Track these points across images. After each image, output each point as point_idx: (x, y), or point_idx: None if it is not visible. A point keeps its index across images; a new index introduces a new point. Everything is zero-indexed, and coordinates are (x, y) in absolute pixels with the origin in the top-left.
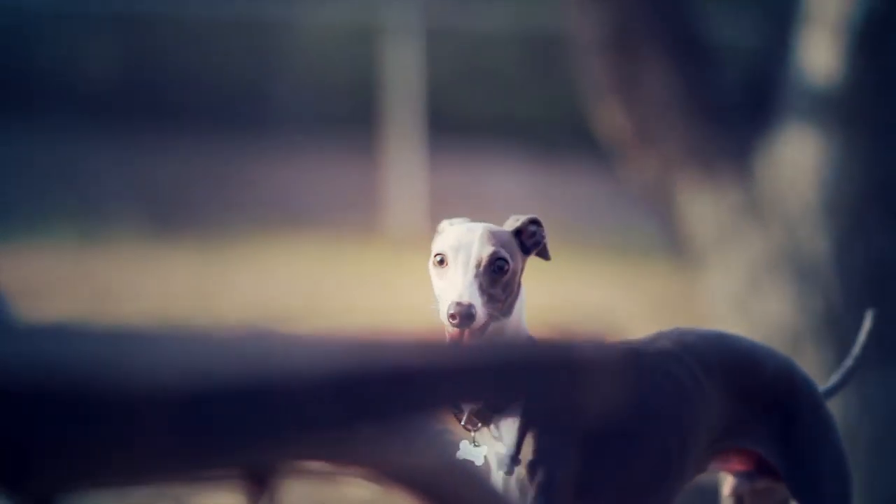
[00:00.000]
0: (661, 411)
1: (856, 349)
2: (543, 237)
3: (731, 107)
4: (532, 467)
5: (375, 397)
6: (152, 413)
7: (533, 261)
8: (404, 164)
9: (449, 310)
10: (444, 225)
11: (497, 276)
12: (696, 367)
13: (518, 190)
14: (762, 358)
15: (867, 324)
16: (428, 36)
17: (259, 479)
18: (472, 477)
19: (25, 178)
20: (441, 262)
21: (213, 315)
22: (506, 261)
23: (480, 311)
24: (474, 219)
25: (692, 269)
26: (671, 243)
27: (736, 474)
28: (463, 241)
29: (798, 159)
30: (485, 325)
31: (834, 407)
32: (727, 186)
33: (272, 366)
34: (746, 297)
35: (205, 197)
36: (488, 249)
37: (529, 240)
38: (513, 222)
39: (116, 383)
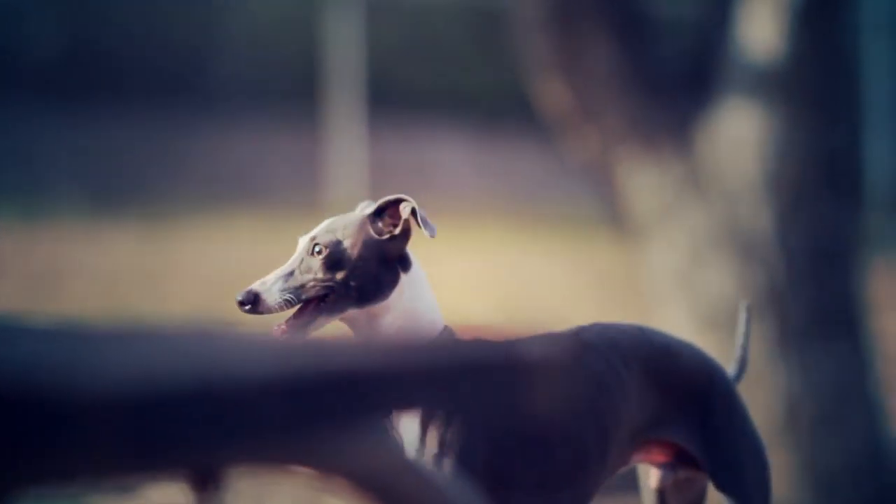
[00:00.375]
0: (580, 404)
1: (740, 340)
2: (407, 211)
3: (673, 81)
4: (436, 460)
5: (321, 400)
6: (99, 416)
7: (470, 237)
8: (346, 137)
9: (236, 297)
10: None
11: (314, 261)
12: (617, 360)
13: (460, 163)
14: (680, 351)
15: (744, 316)
16: (369, 8)
17: (207, 478)
18: (424, 476)
19: None
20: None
21: (158, 293)
22: (319, 244)
23: (268, 298)
24: (416, 193)
25: (634, 244)
26: (613, 217)
27: (659, 466)
28: (309, 234)
29: (740, 134)
30: (307, 311)
31: (777, 382)
32: (668, 161)
33: (219, 367)
34: (688, 272)
35: (148, 172)
36: (308, 237)
37: (391, 219)
38: (366, 206)
39: (63, 385)
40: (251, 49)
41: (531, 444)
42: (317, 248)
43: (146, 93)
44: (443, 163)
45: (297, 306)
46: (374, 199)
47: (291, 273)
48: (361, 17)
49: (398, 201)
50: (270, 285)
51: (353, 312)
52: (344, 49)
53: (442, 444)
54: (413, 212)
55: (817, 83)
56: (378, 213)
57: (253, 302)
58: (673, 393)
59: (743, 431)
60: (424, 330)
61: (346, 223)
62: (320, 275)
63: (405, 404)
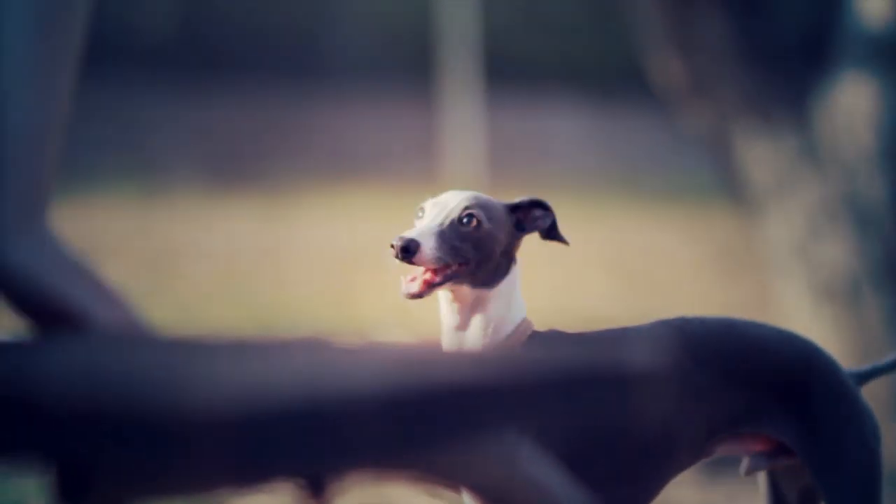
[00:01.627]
0: (641, 404)
1: None
2: (546, 221)
3: (787, 53)
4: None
5: (431, 414)
6: (209, 431)
7: (588, 209)
8: (462, 110)
9: (392, 243)
10: (418, 210)
11: (463, 229)
12: (690, 358)
13: (577, 136)
14: (774, 344)
15: None
16: None
17: (319, 489)
18: (543, 487)
19: (83, 134)
20: (420, 216)
21: (276, 271)
22: (474, 216)
23: (427, 250)
24: (533, 165)
25: (752, 216)
26: (731, 189)
27: (752, 455)
28: (445, 198)
29: (855, 105)
30: (443, 273)
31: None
32: (784, 133)
33: (329, 381)
34: (806, 244)
35: (264, 148)
36: (462, 205)
37: (527, 219)
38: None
39: (173, 401)
40: (366, 24)
41: (601, 443)
42: (469, 219)
43: (261, 70)
44: (559, 135)
45: (426, 269)
46: (492, 173)
47: (442, 233)
48: None
49: (537, 204)
50: (427, 238)
51: (465, 291)
52: (459, 21)
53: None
54: (550, 229)
55: None
56: (515, 208)
57: (413, 250)
58: (766, 386)
59: (848, 423)
60: (511, 321)
61: (493, 205)
62: (462, 244)
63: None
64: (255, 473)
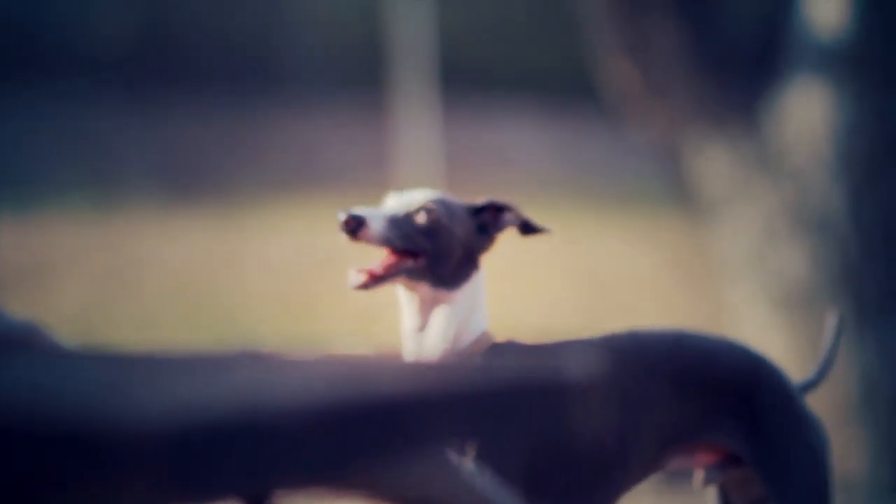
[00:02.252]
0: (603, 416)
1: (827, 344)
2: (516, 221)
3: (739, 60)
4: (477, 462)
5: (372, 427)
6: (146, 448)
7: (542, 217)
8: (417, 120)
9: (339, 217)
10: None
11: (419, 220)
12: (641, 369)
13: (532, 145)
14: (722, 354)
15: (834, 322)
16: None
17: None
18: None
19: (38, 146)
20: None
21: (233, 281)
22: (432, 209)
23: (374, 227)
24: (489, 173)
25: (705, 223)
26: (684, 197)
27: (706, 468)
28: (408, 194)
29: (808, 111)
30: (393, 266)
31: (854, 359)
32: (737, 140)
33: (268, 395)
34: (761, 252)
35: (219, 160)
36: (421, 199)
37: (493, 222)
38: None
39: (111, 417)
40: (320, 33)
41: (554, 455)
42: (427, 210)
43: (216, 81)
44: (515, 143)
45: (382, 255)
46: (448, 182)
47: (395, 218)
48: None
49: (503, 208)
50: (376, 218)
51: (424, 291)
52: (413, 30)
53: (479, 458)
54: (524, 225)
55: (885, 59)
56: (478, 210)
57: (357, 225)
58: (714, 397)
59: (797, 431)
60: (472, 329)
61: (455, 204)
62: (417, 234)
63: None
64: (194, 490)
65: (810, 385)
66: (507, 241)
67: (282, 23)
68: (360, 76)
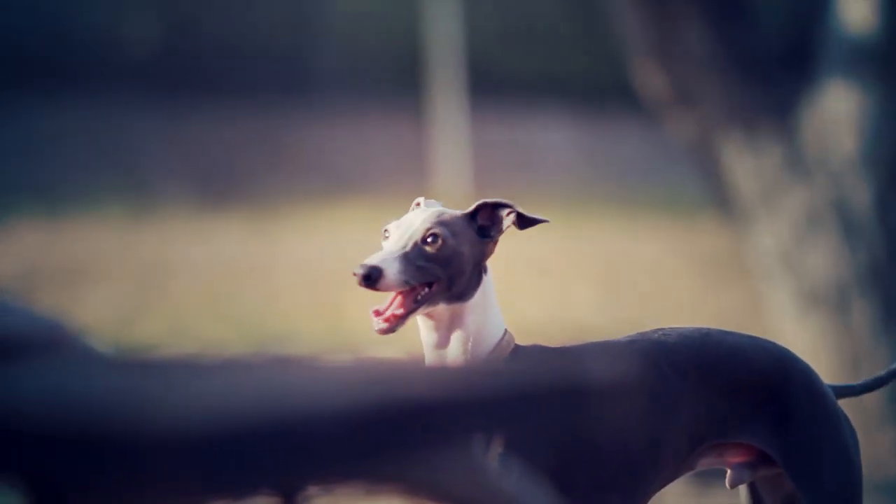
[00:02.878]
0: (632, 417)
1: (889, 371)
2: (513, 217)
3: (770, 62)
4: (503, 460)
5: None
6: (177, 450)
7: (575, 221)
8: (449, 124)
9: (354, 272)
10: (417, 203)
11: (428, 250)
12: (669, 369)
13: (564, 148)
14: (751, 353)
15: None
16: None
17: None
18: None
19: (69, 153)
20: (386, 238)
21: (265, 287)
22: (438, 235)
23: (391, 275)
24: (520, 177)
25: (739, 225)
26: (718, 199)
27: (734, 466)
28: (408, 219)
29: (839, 113)
30: (412, 301)
31: (884, 358)
32: (769, 142)
33: (294, 397)
34: (792, 252)
35: (252, 165)
36: (425, 226)
37: (491, 222)
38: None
39: (141, 420)
40: (351, 39)
41: (583, 456)
42: (432, 239)
43: (248, 86)
44: (546, 146)
45: (396, 295)
46: (480, 186)
47: (405, 256)
48: (460, 2)
49: (495, 205)
50: (391, 263)
51: (440, 308)
52: (444, 36)
53: (505, 458)
54: (520, 218)
55: None
56: (474, 215)
57: (376, 277)
58: (743, 396)
59: (827, 432)
60: (492, 334)
61: (453, 218)
62: (429, 264)
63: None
64: (223, 491)
65: (850, 393)
66: (541, 243)
67: (313, 29)
68: (392, 82)
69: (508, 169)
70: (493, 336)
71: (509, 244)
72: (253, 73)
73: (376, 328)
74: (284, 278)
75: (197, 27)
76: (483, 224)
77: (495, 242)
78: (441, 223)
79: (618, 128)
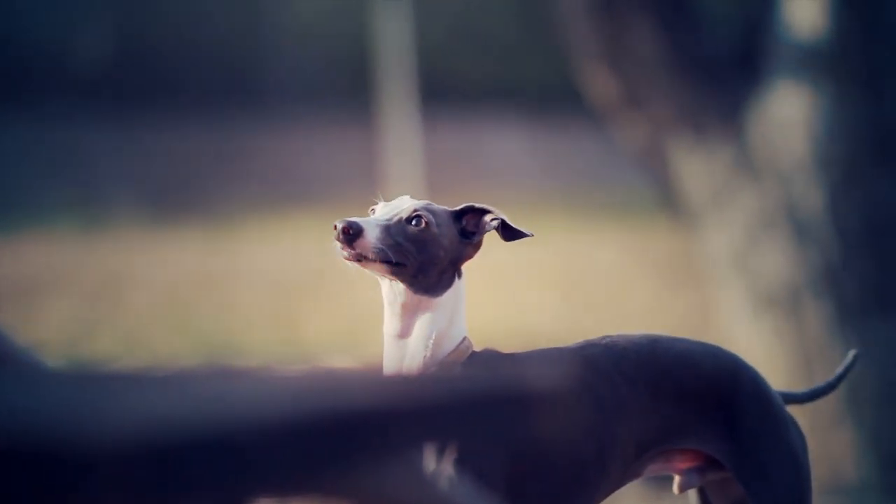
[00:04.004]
0: (579, 423)
1: (835, 378)
2: (496, 222)
3: (719, 65)
4: (453, 483)
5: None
6: (118, 464)
7: (526, 226)
8: (402, 132)
9: (335, 223)
10: (370, 211)
11: (410, 229)
12: (617, 376)
13: (516, 154)
14: (699, 359)
15: (850, 358)
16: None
17: None
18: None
19: (22, 167)
20: (372, 214)
21: (220, 298)
22: (423, 217)
23: (371, 238)
24: (472, 182)
25: (690, 228)
26: (668, 202)
27: (683, 472)
28: (396, 201)
29: (789, 115)
30: (385, 267)
31: (837, 360)
32: (719, 145)
33: (238, 409)
34: (744, 254)
35: (204, 175)
36: (413, 206)
37: (472, 226)
38: (460, 207)
39: (81, 435)
40: (301, 48)
41: (534, 462)
42: (416, 220)
43: (199, 95)
44: (498, 153)
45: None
46: (433, 192)
47: (388, 228)
48: (410, 9)
49: (483, 211)
50: (372, 228)
51: (410, 296)
52: (394, 42)
53: (457, 467)
54: (503, 225)
55: (863, 60)
56: (460, 215)
57: (356, 233)
58: (691, 401)
59: (775, 434)
60: (453, 336)
61: (441, 211)
62: (407, 243)
63: (420, 438)
64: (170, 502)
65: (797, 400)
66: (495, 248)
67: (265, 38)
68: (344, 90)
69: (461, 175)
70: (454, 339)
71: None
72: (204, 84)
73: (340, 253)
74: (240, 289)
75: (148, 39)
76: (467, 227)
77: (476, 247)
78: (429, 210)
79: (570, 133)
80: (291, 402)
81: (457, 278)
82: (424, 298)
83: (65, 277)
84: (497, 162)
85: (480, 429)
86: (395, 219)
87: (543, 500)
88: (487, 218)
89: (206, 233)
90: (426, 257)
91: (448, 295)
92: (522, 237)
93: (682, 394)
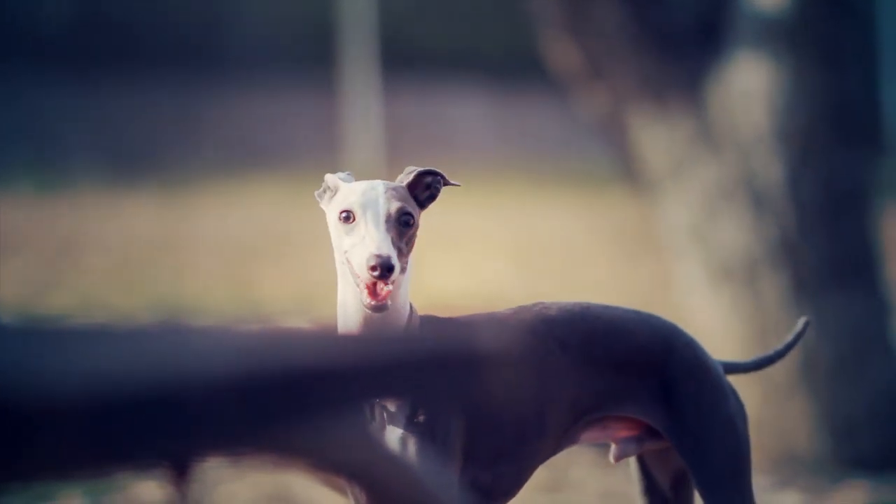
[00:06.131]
0: (518, 387)
1: (783, 346)
2: (439, 188)
3: (681, 36)
4: (425, 428)
5: (290, 393)
6: (66, 416)
7: (486, 194)
8: (362, 97)
9: (369, 262)
10: (334, 180)
11: (404, 231)
12: (551, 340)
13: (476, 121)
14: (632, 326)
15: (800, 326)
16: None
17: (182, 472)
18: (398, 460)
19: None
20: (347, 218)
21: (177, 262)
22: (411, 215)
23: (397, 269)
24: (433, 151)
25: (649, 199)
26: (628, 173)
27: (620, 440)
28: (369, 198)
29: (749, 86)
30: (399, 280)
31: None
32: (679, 116)
33: (182, 364)
34: (702, 225)
35: (164, 139)
36: (395, 205)
37: (423, 193)
38: (406, 176)
39: (31, 389)
40: (263, 12)
41: (482, 423)
42: (406, 221)
43: (159, 59)
44: (459, 121)
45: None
46: (392, 159)
47: (390, 239)
48: None
49: (429, 174)
50: (395, 256)
51: (392, 285)
52: (357, 8)
53: (418, 427)
54: (442, 182)
55: (826, 32)
56: (413, 186)
57: (390, 267)
58: (625, 368)
59: (712, 403)
60: (407, 304)
61: (405, 192)
62: (406, 246)
63: (369, 394)
64: (112, 459)
65: (740, 369)
66: (454, 215)
67: (227, 2)
68: (304, 55)
69: (421, 142)
70: (407, 307)
71: (422, 219)
72: (164, 47)
73: (369, 304)
74: (197, 252)
75: (108, 1)
76: (419, 196)
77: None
78: (404, 198)
79: (530, 102)
80: (242, 359)
81: None
82: (400, 278)
83: (22, 238)
84: (458, 130)
85: (433, 388)
86: (393, 230)
87: (492, 461)
88: (430, 180)
89: (163, 195)
90: (411, 248)
91: (409, 265)
92: (454, 183)
93: (614, 361)
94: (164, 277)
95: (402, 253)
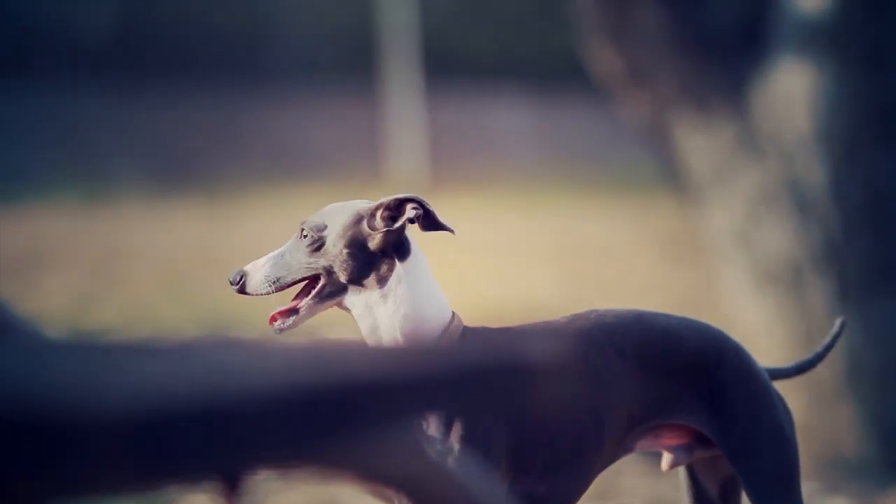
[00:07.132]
0: (577, 397)
1: (822, 348)
2: (407, 214)
3: (723, 40)
4: (454, 455)
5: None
6: (119, 436)
7: (530, 201)
8: (405, 108)
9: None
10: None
11: (302, 244)
12: (610, 349)
13: (519, 129)
14: (683, 333)
15: (837, 329)
16: None
17: (232, 485)
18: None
19: (24, 140)
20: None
21: (221, 273)
22: (305, 228)
23: (254, 280)
24: (476, 158)
25: (693, 204)
26: (672, 179)
27: (671, 449)
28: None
29: (792, 91)
30: (306, 294)
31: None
32: (722, 121)
33: (233, 381)
34: (747, 231)
35: (207, 148)
36: (303, 222)
37: (386, 214)
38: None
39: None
40: (308, 23)
41: (535, 435)
42: (304, 232)
43: (202, 69)
44: (501, 127)
45: (293, 290)
46: (436, 168)
47: (282, 255)
48: None
49: (405, 200)
50: (260, 266)
51: (351, 300)
52: (399, 17)
53: (458, 440)
54: (423, 215)
55: (869, 35)
56: (378, 207)
57: (240, 282)
58: (678, 376)
59: (761, 409)
60: (431, 318)
61: (341, 209)
62: (305, 259)
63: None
64: (163, 473)
65: (783, 375)
66: (497, 225)
67: (268, 12)
68: (348, 65)
69: (464, 151)
70: (434, 320)
71: (465, 226)
72: (207, 58)
73: (275, 328)
74: (242, 262)
75: (151, 12)
76: (383, 216)
77: (394, 233)
78: (319, 214)
79: (573, 108)
80: (291, 373)
81: (398, 262)
82: (368, 296)
83: (66, 250)
84: (500, 137)
85: (481, 401)
86: (293, 242)
87: (542, 474)
88: (408, 208)
89: (208, 206)
90: (329, 262)
91: (393, 282)
92: (443, 230)
93: (667, 368)
94: (210, 288)
95: (310, 268)
